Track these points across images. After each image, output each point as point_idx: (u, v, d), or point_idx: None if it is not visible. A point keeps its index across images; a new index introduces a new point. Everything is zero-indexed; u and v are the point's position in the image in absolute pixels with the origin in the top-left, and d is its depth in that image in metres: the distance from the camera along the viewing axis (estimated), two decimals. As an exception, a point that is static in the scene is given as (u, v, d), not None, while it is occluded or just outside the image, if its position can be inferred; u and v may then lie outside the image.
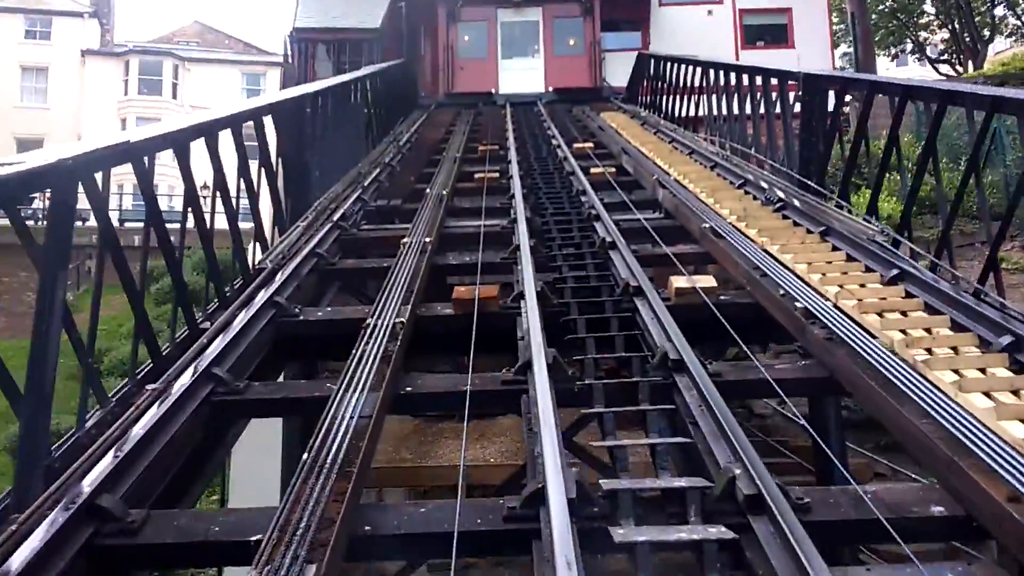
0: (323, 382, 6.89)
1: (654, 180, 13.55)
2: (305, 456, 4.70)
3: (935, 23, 50.79)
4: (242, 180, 10.18)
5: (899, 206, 17.75)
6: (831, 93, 13.11)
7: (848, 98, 17.54)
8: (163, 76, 59.60)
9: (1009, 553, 4.17)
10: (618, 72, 30.61)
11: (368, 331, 6.91)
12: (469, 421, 6.25)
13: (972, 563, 4.52)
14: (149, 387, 6.28)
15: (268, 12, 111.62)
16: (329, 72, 29.11)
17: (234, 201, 9.74)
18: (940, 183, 9.73)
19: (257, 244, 10.55)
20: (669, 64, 22.56)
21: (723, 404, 5.31)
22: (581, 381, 6.25)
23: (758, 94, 15.45)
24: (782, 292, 7.63)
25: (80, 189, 6.13)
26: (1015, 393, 5.38)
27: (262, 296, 8.17)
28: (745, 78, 16.25)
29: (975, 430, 4.77)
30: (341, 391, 5.70)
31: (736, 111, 16.72)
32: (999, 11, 48.10)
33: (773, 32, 33.81)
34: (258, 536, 4.05)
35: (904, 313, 7.00)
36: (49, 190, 6.01)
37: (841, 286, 7.61)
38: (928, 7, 49.79)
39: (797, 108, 13.68)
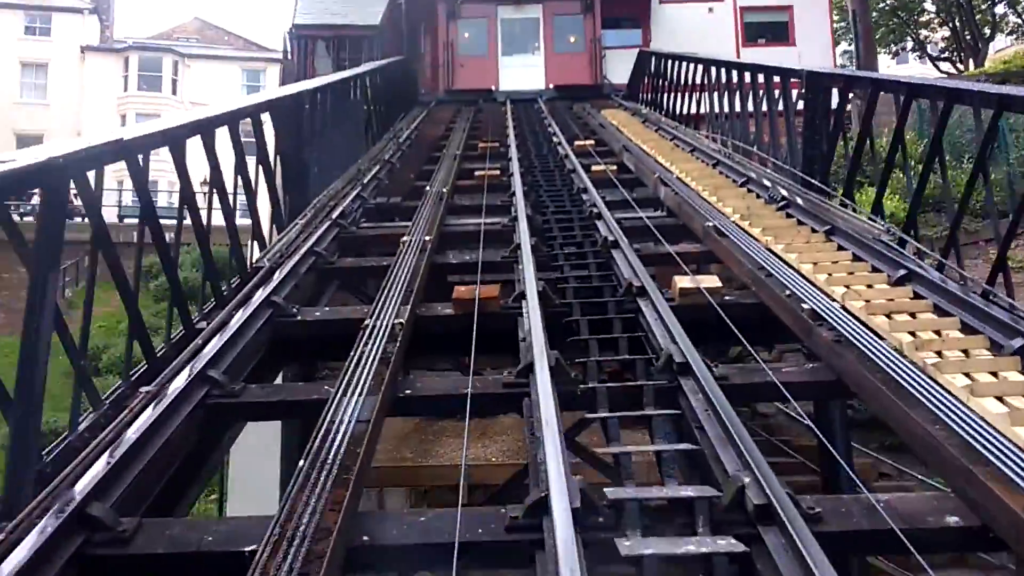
0: (321, 384, 6.75)
1: (656, 178, 13.43)
2: (301, 463, 4.58)
3: (936, 21, 50.71)
4: (239, 178, 10.07)
5: (901, 204, 17.75)
6: (834, 91, 12.99)
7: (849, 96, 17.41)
8: (163, 72, 59.64)
9: (1027, 564, 4.06)
10: (619, 69, 30.49)
11: (367, 332, 6.78)
12: (470, 420, 6.12)
13: (989, 574, 4.39)
14: (143, 389, 6.16)
15: (268, 8, 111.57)
16: (329, 69, 29.01)
17: (232, 199, 9.63)
18: (947, 182, 9.58)
19: (255, 242, 10.43)
20: (670, 61, 22.40)
21: (730, 408, 5.18)
22: (584, 384, 6.12)
23: (760, 92, 15.31)
24: (788, 292, 7.50)
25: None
26: (1028, 397, 5.26)
27: (259, 295, 8.05)
28: (747, 76, 16.12)
29: (990, 437, 4.64)
30: (339, 394, 5.58)
31: (738, 109, 16.58)
32: (999, 9, 48.02)
33: (774, 30, 33.69)
34: (252, 547, 3.95)
35: (912, 315, 6.87)
36: (41, 189, 5.86)
37: (848, 287, 7.49)
38: (929, 5, 49.79)
39: (799, 106, 13.57)
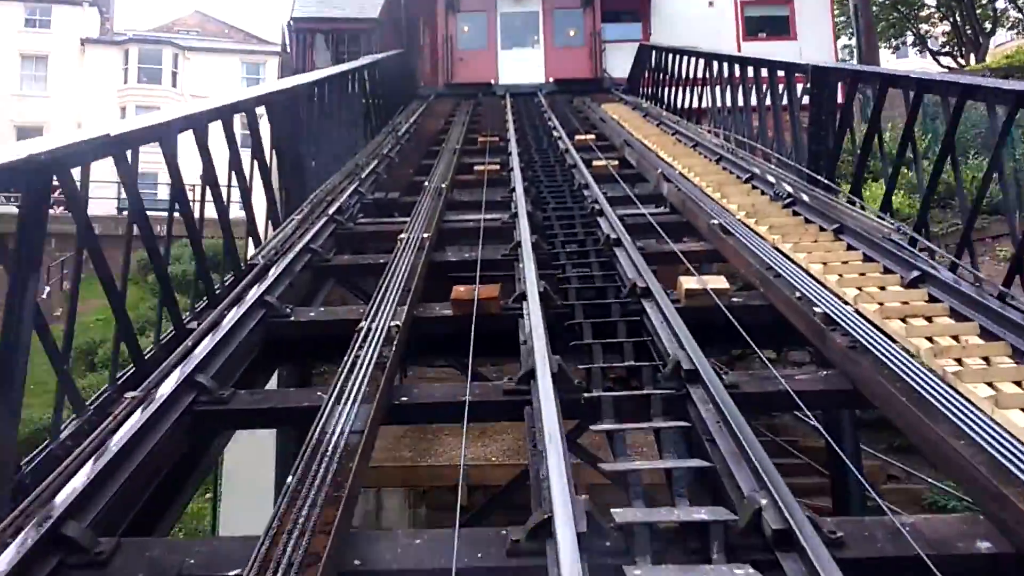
0: (313, 390, 6.50)
1: (658, 174, 13.18)
2: (290, 479, 4.33)
3: (936, 15, 50.45)
4: (234, 173, 9.81)
5: (907, 199, 17.51)
6: (839, 86, 12.74)
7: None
8: (163, 65, 59.40)
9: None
10: (619, 63, 30.32)
11: (362, 335, 6.54)
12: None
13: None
14: (129, 394, 5.92)
15: (268, 1, 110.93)
16: (327, 62, 28.86)
17: (226, 194, 9.38)
18: (960, 181, 9.31)
19: (250, 238, 10.20)
20: (671, 55, 22.16)
21: (742, 420, 4.92)
22: (589, 392, 5.87)
23: (764, 86, 15.05)
24: (798, 295, 7.23)
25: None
26: (1056, 410, 5.00)
27: (253, 294, 7.80)
28: (750, 70, 15.86)
29: (1020, 455, 4.38)
30: (331, 402, 5.34)
31: (741, 103, 16.32)
32: (1000, 3, 47.79)
33: (775, 23, 33.40)
34: (236, 572, 3.71)
35: (929, 319, 6.62)
36: (21, 187, 5.59)
37: (860, 288, 7.23)
38: (929, -1, 49.49)
39: (803, 101, 13.32)
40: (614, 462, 5.23)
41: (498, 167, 15.03)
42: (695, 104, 19.97)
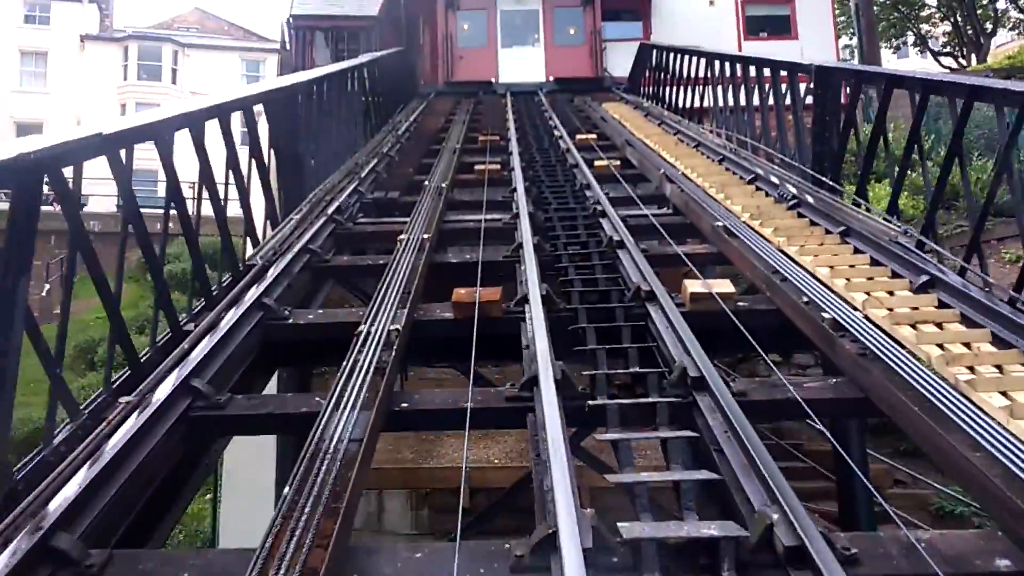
0: (311, 396, 6.37)
1: (661, 174, 13.06)
2: (287, 489, 4.21)
3: (937, 15, 50.35)
4: (232, 172, 9.68)
5: (910, 200, 17.38)
6: (843, 86, 12.62)
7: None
8: (163, 62, 59.36)
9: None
10: (619, 62, 30.22)
11: (361, 339, 6.41)
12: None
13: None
14: (123, 399, 5.80)
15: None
16: (327, 60, 28.79)
17: (223, 193, 9.26)
18: (968, 184, 9.17)
19: (248, 238, 10.07)
20: (673, 55, 22.03)
21: (751, 431, 4.79)
22: (593, 399, 5.75)
23: (766, 86, 14.92)
24: (806, 299, 7.10)
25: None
26: (1072, 421, 4.87)
27: (250, 296, 7.68)
28: (753, 70, 15.72)
29: (1039, 468, 4.25)
30: (329, 408, 5.22)
31: (743, 103, 16.18)
32: (1001, 3, 47.71)
33: (776, 23, 33.28)
34: (231, 587, 3.58)
35: (939, 325, 6.48)
36: (11, 187, 5.45)
37: (869, 293, 7.11)
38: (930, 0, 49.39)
39: (807, 101, 13.19)
40: (620, 473, 5.10)
41: (499, 166, 14.91)
42: (697, 104, 19.84)
